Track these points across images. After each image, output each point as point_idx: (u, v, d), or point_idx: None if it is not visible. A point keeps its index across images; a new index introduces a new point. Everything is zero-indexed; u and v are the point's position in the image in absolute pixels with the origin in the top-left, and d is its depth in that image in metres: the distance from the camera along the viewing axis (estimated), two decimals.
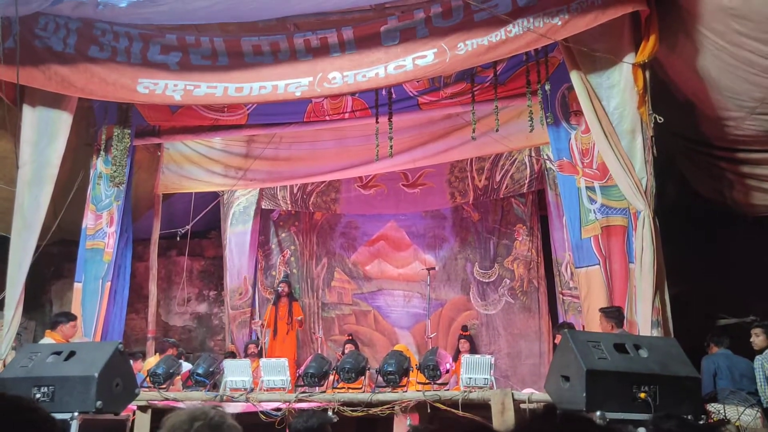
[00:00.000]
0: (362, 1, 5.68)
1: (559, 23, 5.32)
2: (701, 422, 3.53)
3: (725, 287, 6.93)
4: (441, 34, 5.68)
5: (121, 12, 5.61)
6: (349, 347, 7.94)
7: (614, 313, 5.25)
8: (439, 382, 5.61)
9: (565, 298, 7.86)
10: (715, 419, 4.62)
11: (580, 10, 5.27)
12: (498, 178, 8.89)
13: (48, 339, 5.65)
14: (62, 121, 6.48)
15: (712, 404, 4.85)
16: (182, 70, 6.18)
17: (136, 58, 6.20)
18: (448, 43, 5.63)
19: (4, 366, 5.70)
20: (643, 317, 5.07)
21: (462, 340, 8.20)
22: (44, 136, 6.44)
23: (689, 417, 3.41)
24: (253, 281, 9.42)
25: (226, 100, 6.26)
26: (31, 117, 6.42)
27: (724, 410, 4.66)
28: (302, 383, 5.70)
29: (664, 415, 2.37)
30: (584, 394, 3.45)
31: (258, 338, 8.77)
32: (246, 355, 7.89)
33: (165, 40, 6.21)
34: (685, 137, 6.48)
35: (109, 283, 6.88)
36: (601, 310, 5.33)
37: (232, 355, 8.23)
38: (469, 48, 5.58)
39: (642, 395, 3.48)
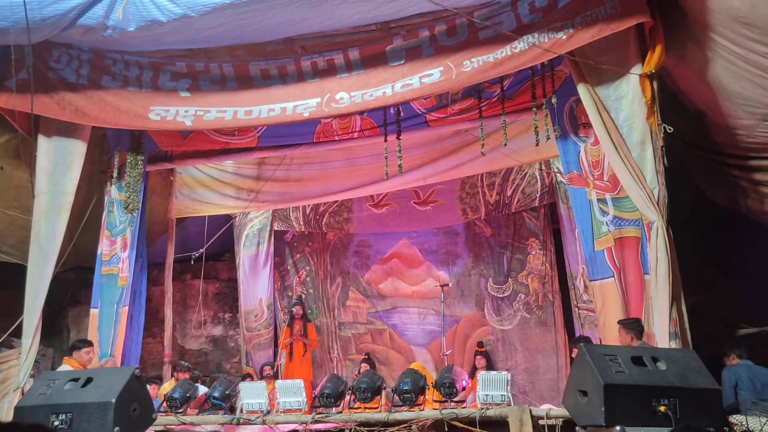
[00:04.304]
0: (367, 20, 5.73)
1: (564, 37, 5.34)
2: None
3: (743, 296, 6.85)
4: (446, 52, 5.71)
5: (130, 35, 5.70)
6: (364, 366, 7.91)
7: (633, 325, 5.20)
8: (456, 399, 5.57)
9: (580, 311, 7.80)
10: (738, 431, 4.54)
11: (584, 24, 5.28)
12: (509, 192, 8.89)
13: (66, 366, 5.68)
14: (77, 150, 6.58)
15: (735, 416, 4.76)
16: (192, 96, 6.26)
17: (148, 86, 6.30)
18: (453, 61, 5.66)
19: (23, 394, 5.74)
20: (661, 329, 5.02)
21: (478, 357, 8.14)
22: (60, 165, 6.53)
23: (711, 429, 3.36)
24: (271, 303, 9.44)
25: (236, 123, 6.33)
26: (46, 146, 6.52)
27: (747, 421, 4.58)
28: (318, 404, 5.68)
29: (683, 428, 2.31)
30: (603, 409, 3.41)
31: (274, 360, 8.77)
32: (262, 377, 7.88)
33: (175, 67, 6.31)
34: (698, 146, 6.45)
35: (125, 308, 6.91)
36: (620, 322, 5.28)
37: (249, 377, 8.22)
38: (474, 65, 5.62)
39: (662, 409, 3.43)
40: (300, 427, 5.41)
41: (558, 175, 8.06)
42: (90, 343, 6.12)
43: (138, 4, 5.44)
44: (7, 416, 5.73)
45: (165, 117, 6.23)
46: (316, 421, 5.39)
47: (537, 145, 6.04)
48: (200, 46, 6.21)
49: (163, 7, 5.42)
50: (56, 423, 3.92)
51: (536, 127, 5.93)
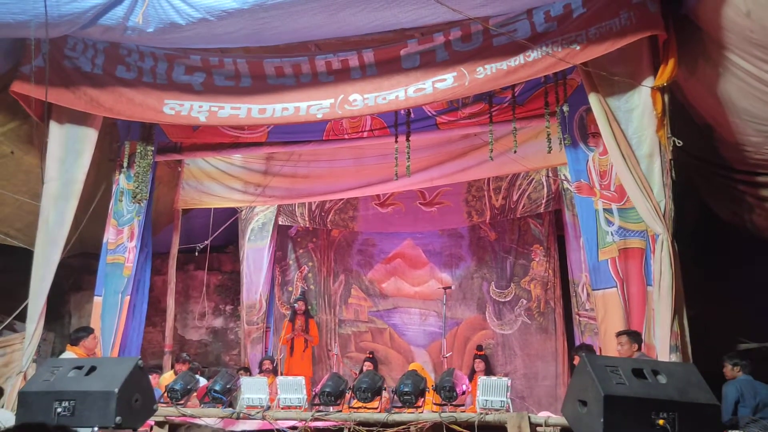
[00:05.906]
0: (382, 27, 5.74)
1: (578, 48, 5.35)
2: None
3: (745, 311, 6.85)
4: (460, 58, 5.73)
5: (148, 36, 5.74)
6: (367, 365, 7.94)
7: (638, 337, 5.23)
8: (455, 403, 5.60)
9: (581, 319, 7.83)
10: None
11: (598, 36, 5.30)
12: (515, 197, 8.91)
13: (70, 353, 5.70)
14: (88, 138, 6.60)
15: (733, 431, 4.79)
16: (206, 91, 6.29)
17: (162, 79, 6.33)
18: (467, 67, 5.68)
19: (26, 379, 5.78)
20: (662, 342, 5.03)
21: (477, 360, 8.18)
22: (71, 152, 6.55)
23: None
24: (269, 297, 9.47)
25: (250, 121, 6.36)
26: (58, 133, 6.53)
27: None
28: (318, 402, 5.71)
29: None
30: (602, 420, 3.42)
31: (266, 352, 8.82)
32: (261, 371, 7.91)
33: (189, 60, 6.34)
34: (705, 160, 6.46)
35: (128, 297, 6.94)
36: (625, 332, 5.30)
37: (247, 370, 8.26)
38: (488, 72, 5.63)
39: (661, 422, 3.44)
40: (299, 424, 5.44)
41: (564, 182, 8.08)
42: (92, 330, 6.15)
43: (158, 8, 5.46)
44: (10, 399, 5.78)
45: (179, 112, 6.26)
46: (316, 419, 5.42)
47: (549, 152, 6.06)
48: (218, 46, 6.23)
49: (182, 10, 5.45)
50: (59, 410, 3.94)
51: (548, 135, 5.94)
